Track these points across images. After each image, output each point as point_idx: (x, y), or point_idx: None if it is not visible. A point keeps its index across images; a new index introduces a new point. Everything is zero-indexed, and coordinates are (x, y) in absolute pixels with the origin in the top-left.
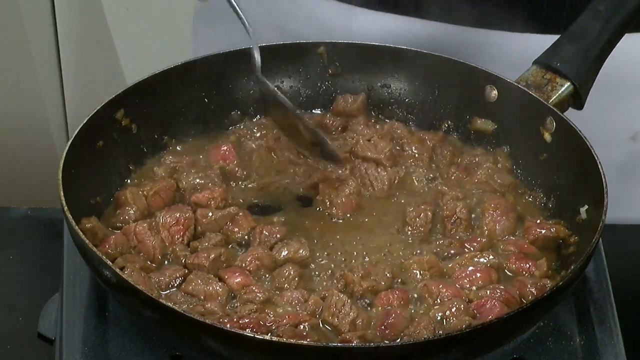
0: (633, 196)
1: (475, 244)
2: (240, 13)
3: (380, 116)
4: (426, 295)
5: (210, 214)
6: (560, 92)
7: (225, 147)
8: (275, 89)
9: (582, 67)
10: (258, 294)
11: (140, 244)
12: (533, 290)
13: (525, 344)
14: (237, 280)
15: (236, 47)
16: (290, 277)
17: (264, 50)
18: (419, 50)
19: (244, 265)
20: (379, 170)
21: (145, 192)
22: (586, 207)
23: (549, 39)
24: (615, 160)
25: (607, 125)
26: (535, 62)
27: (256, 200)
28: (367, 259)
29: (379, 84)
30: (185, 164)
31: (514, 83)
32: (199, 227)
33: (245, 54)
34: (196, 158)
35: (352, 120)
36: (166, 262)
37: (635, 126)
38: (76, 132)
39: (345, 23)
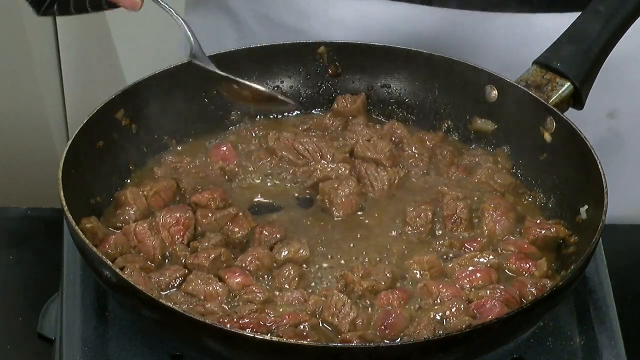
0: (612, 170)
1: (475, 244)
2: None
3: (380, 116)
4: (426, 295)
5: (210, 214)
6: (560, 92)
7: (225, 147)
8: (213, 65)
9: (582, 67)
10: (258, 294)
11: (140, 244)
12: (533, 290)
13: (525, 344)
14: (237, 280)
15: (226, 36)
16: (290, 277)
17: (264, 50)
18: (419, 50)
19: (244, 265)
20: (379, 170)
21: (145, 192)
22: (586, 207)
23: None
24: (594, 137)
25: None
26: (535, 62)
27: (256, 200)
28: (367, 259)
29: (379, 84)
30: (185, 164)
31: (514, 83)
32: (199, 227)
33: (245, 53)
34: (196, 158)
35: (352, 120)
36: (166, 262)
37: (612, 103)
38: (76, 132)
39: (323, 9)
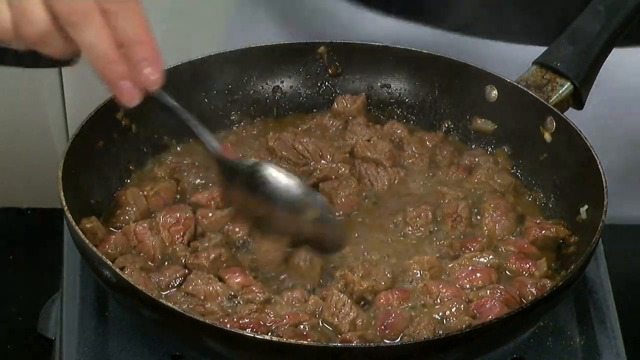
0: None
1: (475, 244)
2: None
3: (380, 116)
4: (426, 296)
5: (210, 214)
6: (560, 92)
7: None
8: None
9: (582, 67)
10: (258, 294)
11: (140, 244)
12: (533, 290)
13: (525, 344)
14: (237, 280)
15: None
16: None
17: (264, 50)
18: (419, 50)
19: (244, 265)
20: (379, 170)
21: (145, 192)
22: (586, 207)
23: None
24: (613, 168)
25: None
26: (535, 62)
27: None
28: (367, 258)
29: (379, 84)
30: (186, 164)
31: (514, 83)
32: (199, 227)
33: (244, 53)
34: (196, 158)
35: (352, 120)
36: (166, 262)
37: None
38: (76, 132)
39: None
